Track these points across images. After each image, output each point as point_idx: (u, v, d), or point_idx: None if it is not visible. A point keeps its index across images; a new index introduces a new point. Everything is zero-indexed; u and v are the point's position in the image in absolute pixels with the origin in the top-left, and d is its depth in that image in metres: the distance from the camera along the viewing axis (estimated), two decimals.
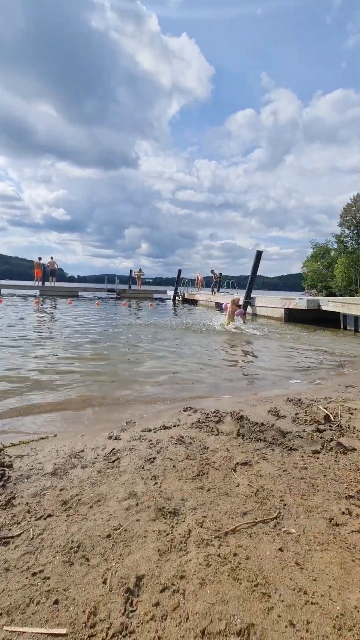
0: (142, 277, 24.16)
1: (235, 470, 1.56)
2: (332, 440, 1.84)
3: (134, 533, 1.12)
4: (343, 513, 1.24)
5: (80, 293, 21.98)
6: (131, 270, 25.17)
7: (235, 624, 0.77)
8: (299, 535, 1.11)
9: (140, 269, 23.97)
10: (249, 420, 2.13)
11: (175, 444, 1.86)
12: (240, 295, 13.24)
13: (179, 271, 20.91)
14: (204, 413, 2.39)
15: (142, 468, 1.59)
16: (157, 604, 0.85)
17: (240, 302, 9.10)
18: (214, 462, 1.63)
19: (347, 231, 31.18)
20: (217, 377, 3.83)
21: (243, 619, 0.79)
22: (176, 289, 21.01)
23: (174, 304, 19.20)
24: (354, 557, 1.01)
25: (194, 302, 18.38)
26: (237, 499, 1.33)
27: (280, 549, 1.04)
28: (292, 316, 10.04)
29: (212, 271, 18.54)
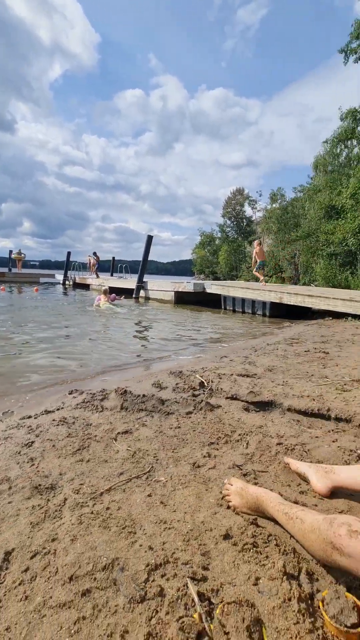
0: (23, 259, 21.63)
1: (116, 440, 1.66)
2: (202, 401, 2.12)
3: (5, 515, 1.09)
4: (204, 456, 1.48)
5: None
6: (11, 251, 22.29)
7: (101, 562, 0.87)
8: (167, 481, 1.29)
9: (19, 251, 21.33)
10: (132, 394, 2.25)
11: (57, 425, 1.84)
12: (133, 279, 13.34)
13: (68, 253, 19.61)
14: (90, 393, 2.41)
15: (19, 453, 1.53)
16: (26, 570, 0.87)
17: (108, 288, 9.92)
18: (95, 436, 1.69)
19: (228, 222, 34.59)
20: (106, 358, 3.86)
21: (109, 556, 0.89)
22: (66, 273, 19.69)
23: (64, 288, 18.01)
24: (207, 487, 1.23)
25: (86, 286, 17.60)
26: (115, 463, 1.43)
27: (149, 495, 1.19)
28: (182, 299, 10.73)
29: (95, 253, 17.82)
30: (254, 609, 0.61)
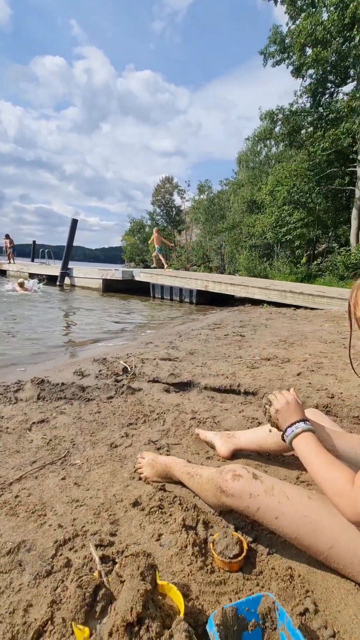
0: None
1: (30, 430, 1.59)
2: (123, 385, 2.16)
3: None
4: (122, 437, 1.52)
5: None
6: None
7: (6, 548, 0.85)
8: (83, 463, 1.30)
9: None
10: (50, 383, 2.17)
11: None
12: (57, 266, 12.54)
13: None
14: (3, 386, 2.24)
15: None
16: None
17: (25, 280, 10.20)
18: (7, 428, 1.60)
19: (158, 210, 34.56)
20: (25, 349, 3.61)
21: (15, 540, 0.88)
22: None
23: None
24: (123, 464, 1.28)
25: (2, 272, 15.94)
26: (28, 452, 1.38)
27: (63, 478, 1.19)
28: (110, 286, 10.48)
29: (7, 236, 16.17)
30: (150, 557, 0.68)
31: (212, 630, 0.56)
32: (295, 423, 0.85)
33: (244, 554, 0.79)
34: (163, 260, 11.79)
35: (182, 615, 0.61)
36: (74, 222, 11.67)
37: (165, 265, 11.88)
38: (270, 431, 1.00)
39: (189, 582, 0.74)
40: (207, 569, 0.78)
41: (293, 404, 0.89)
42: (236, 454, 1.31)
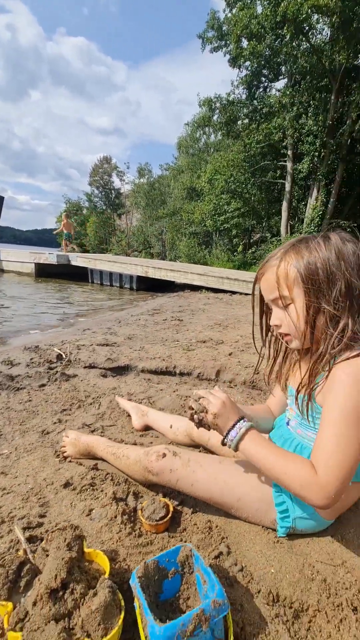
0: None
1: None
2: (57, 372, 2.09)
3: None
4: (54, 423, 1.49)
5: None
6: None
7: None
8: (11, 452, 1.25)
9: None
10: None
11: None
12: None
13: None
14: None
15: None
16: None
17: None
18: None
19: (96, 191, 32.95)
20: None
21: None
22: None
23: None
24: (54, 450, 1.27)
25: None
26: None
27: None
28: (44, 271, 9.82)
29: None
30: (77, 530, 0.70)
31: (134, 582, 0.61)
32: (235, 425, 0.76)
33: (169, 516, 0.86)
34: (64, 247, 12.11)
35: (107, 575, 0.65)
36: (0, 200, 10.57)
37: (64, 251, 12.08)
38: (171, 427, 1.11)
39: (117, 547, 0.79)
40: (135, 534, 0.83)
41: (228, 402, 0.79)
42: (147, 428, 1.42)
